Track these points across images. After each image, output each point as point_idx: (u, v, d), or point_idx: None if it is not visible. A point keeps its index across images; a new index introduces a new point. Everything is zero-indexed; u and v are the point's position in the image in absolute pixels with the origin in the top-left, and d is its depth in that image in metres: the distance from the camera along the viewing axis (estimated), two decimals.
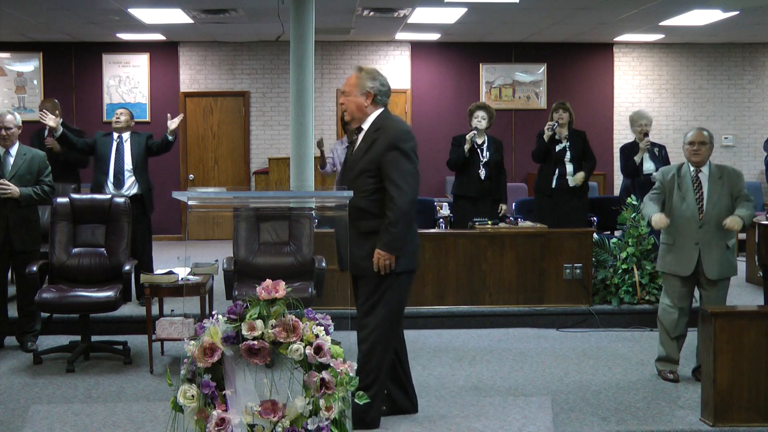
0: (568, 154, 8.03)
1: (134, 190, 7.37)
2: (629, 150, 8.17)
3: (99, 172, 7.40)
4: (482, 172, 7.87)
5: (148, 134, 7.59)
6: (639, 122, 8.18)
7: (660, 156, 8.21)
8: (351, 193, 4.16)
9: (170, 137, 7.38)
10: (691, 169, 5.60)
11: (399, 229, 4.46)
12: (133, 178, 7.39)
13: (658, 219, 5.52)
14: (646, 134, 8.08)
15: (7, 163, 6.34)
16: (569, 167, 8.03)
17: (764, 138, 12.19)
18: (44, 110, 7.48)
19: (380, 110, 4.63)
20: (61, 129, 7.25)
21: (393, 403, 4.79)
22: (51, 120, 7.19)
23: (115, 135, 7.44)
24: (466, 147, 7.82)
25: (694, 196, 5.54)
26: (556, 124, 8.02)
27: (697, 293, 5.74)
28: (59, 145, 7.65)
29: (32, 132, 8.68)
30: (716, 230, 5.49)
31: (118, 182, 7.33)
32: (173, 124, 7.39)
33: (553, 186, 8.05)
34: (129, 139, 7.44)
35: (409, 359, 4.90)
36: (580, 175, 8.04)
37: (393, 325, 4.59)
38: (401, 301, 4.65)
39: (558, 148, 8.04)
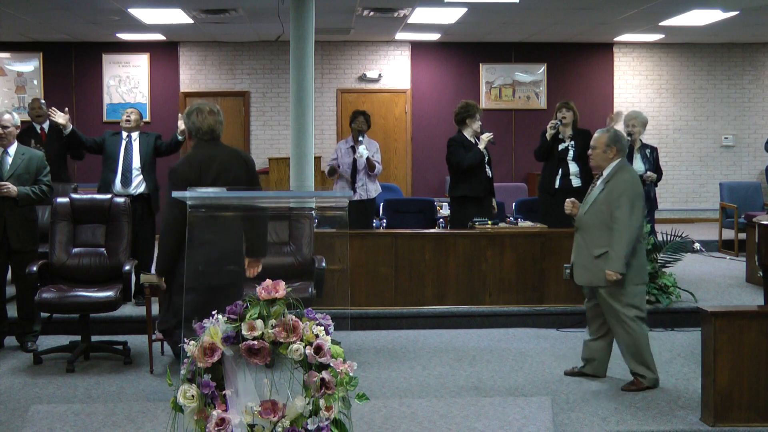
0: (571, 153, 8.00)
1: (141, 189, 7.37)
2: None
3: (107, 170, 7.40)
4: (488, 171, 7.91)
5: (157, 134, 7.61)
6: (627, 122, 8.21)
7: (651, 158, 8.20)
8: (351, 193, 4.14)
9: (180, 137, 7.39)
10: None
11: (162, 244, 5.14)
12: (141, 176, 7.39)
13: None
14: (629, 135, 8.08)
15: (6, 162, 6.33)
16: (572, 167, 7.99)
17: (764, 138, 12.20)
18: (52, 108, 7.52)
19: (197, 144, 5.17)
20: (70, 126, 7.28)
21: None
22: (60, 117, 7.22)
23: (124, 134, 7.45)
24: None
25: (582, 201, 5.60)
26: (559, 123, 8.00)
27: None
28: (69, 142, 7.65)
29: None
30: (586, 236, 5.47)
31: (126, 181, 7.33)
32: (183, 124, 7.39)
33: (557, 186, 8.02)
34: (138, 139, 7.45)
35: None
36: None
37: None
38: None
39: (561, 147, 8.02)
